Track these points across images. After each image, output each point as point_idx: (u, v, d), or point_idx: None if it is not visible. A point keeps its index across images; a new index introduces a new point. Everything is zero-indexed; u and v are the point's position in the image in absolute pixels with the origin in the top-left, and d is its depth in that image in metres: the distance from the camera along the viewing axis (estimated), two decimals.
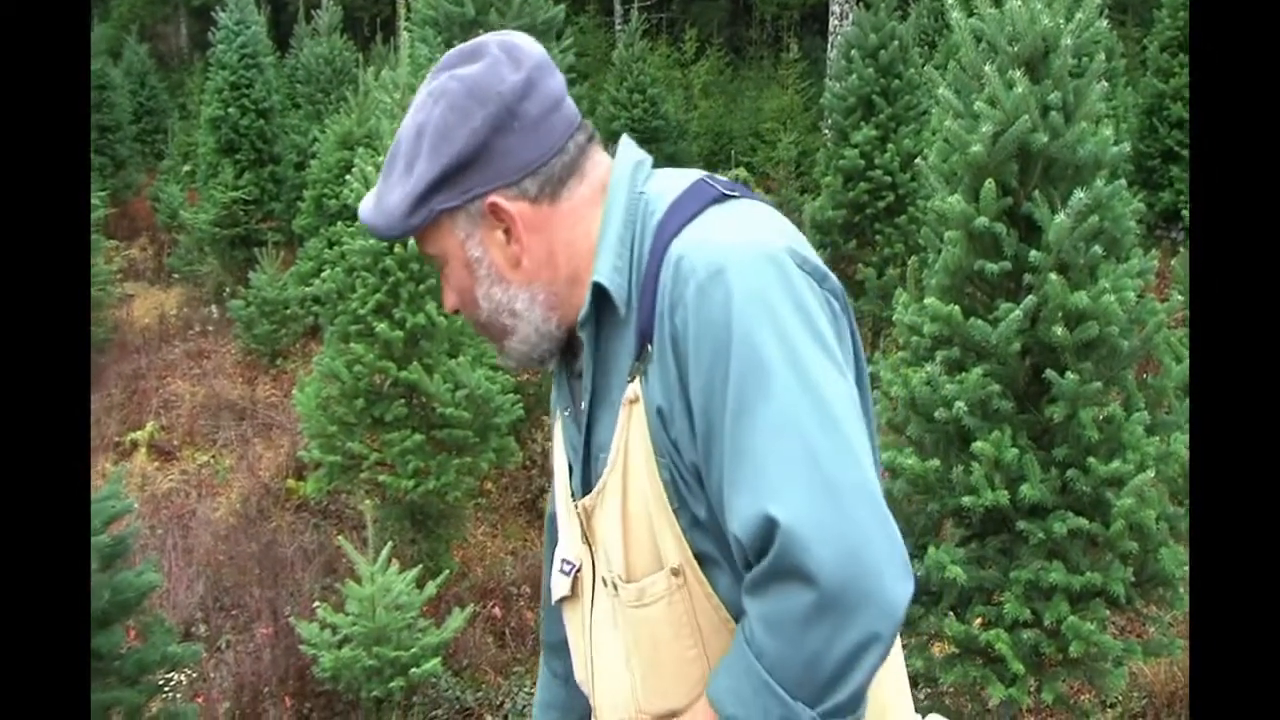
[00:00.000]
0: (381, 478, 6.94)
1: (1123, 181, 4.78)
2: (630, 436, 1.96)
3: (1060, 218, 4.52)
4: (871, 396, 2.05)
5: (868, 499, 1.75)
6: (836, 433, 1.77)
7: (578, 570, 2.19)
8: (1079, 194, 4.52)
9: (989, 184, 4.62)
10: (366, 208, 2.06)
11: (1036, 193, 4.66)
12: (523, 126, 1.99)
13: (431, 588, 5.91)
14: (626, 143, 2.12)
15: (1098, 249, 4.58)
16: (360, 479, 7.12)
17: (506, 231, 2.03)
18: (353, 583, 5.80)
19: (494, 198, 2.00)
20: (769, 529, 1.75)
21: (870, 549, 1.72)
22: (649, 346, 1.92)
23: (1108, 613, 4.63)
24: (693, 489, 1.91)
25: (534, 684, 6.25)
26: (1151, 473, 4.53)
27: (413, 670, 5.59)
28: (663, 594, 1.97)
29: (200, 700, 6.00)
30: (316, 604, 6.02)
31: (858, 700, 1.77)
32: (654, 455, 1.92)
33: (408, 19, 8.63)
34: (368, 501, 6.82)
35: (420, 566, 6.12)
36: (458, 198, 2.01)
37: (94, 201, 12.86)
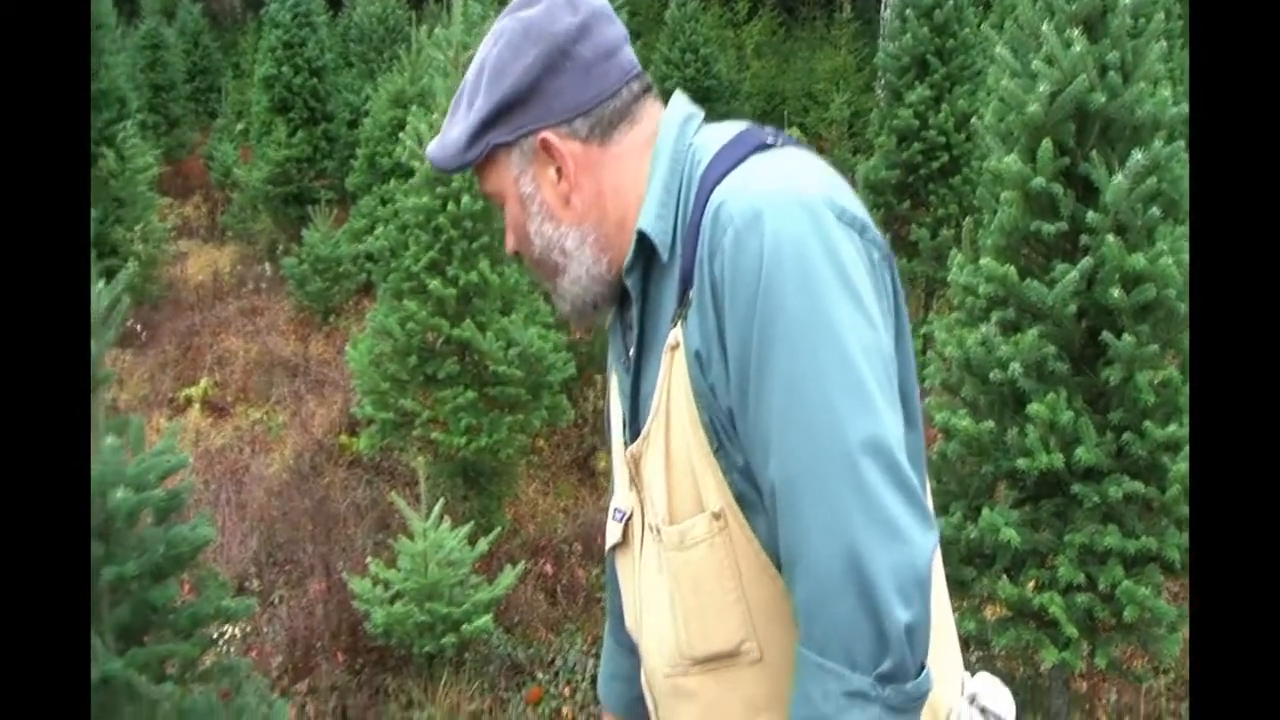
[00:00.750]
0: (434, 435, 6.97)
1: (1181, 143, 4.72)
2: (672, 382, 1.97)
3: (1118, 179, 4.47)
4: (914, 350, 2.04)
5: (879, 456, 1.76)
6: (857, 387, 1.78)
7: (628, 518, 2.21)
8: (1137, 155, 4.47)
9: (1046, 144, 4.57)
10: (432, 145, 2.12)
11: (1094, 153, 4.61)
12: (574, 68, 2.03)
13: (483, 544, 5.94)
14: (679, 96, 2.15)
15: (1155, 211, 4.54)
16: (413, 436, 7.15)
17: (558, 170, 2.07)
18: (405, 539, 5.83)
19: (545, 134, 2.04)
20: (773, 493, 1.81)
21: (872, 521, 1.74)
22: (690, 293, 1.93)
23: (1162, 578, 4.60)
24: (730, 434, 1.91)
25: (585, 641, 6.29)
26: None
27: (464, 626, 5.62)
28: (703, 537, 1.97)
29: (253, 654, 6.05)
30: (369, 560, 6.06)
31: (910, 663, 1.77)
32: (694, 400, 1.93)
33: None
34: (420, 458, 6.86)
35: (472, 523, 6.15)
36: (511, 133, 2.06)
37: (149, 160, 12.92)
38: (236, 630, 6.13)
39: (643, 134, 2.09)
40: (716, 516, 1.95)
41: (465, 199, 6.90)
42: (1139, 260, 4.44)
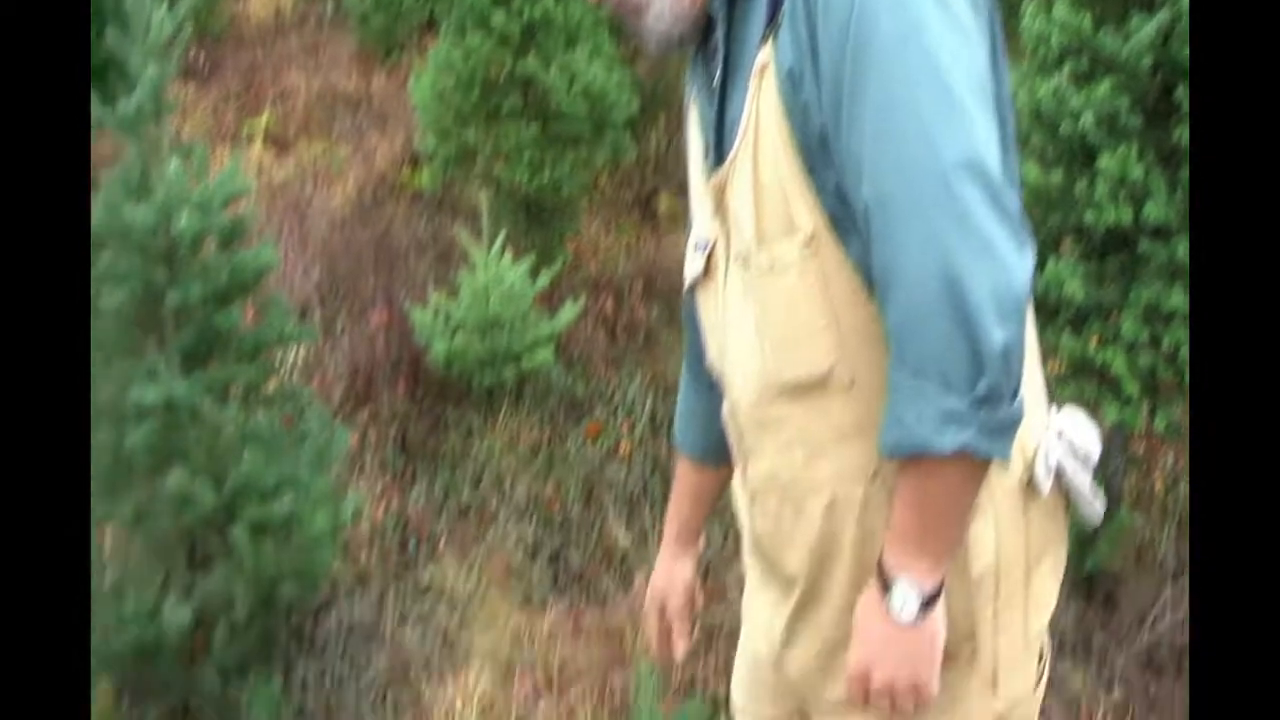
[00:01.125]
0: (496, 169, 6.94)
1: None
2: (761, 104, 1.90)
3: None
4: (1009, 80, 1.98)
5: (976, 175, 1.71)
6: (953, 106, 1.73)
7: (711, 249, 2.15)
8: None
9: None
10: None
11: None
12: None
13: (545, 278, 5.96)
14: None
15: None
16: (475, 170, 7.12)
17: None
18: (466, 272, 5.85)
19: None
20: (866, 214, 1.77)
21: (968, 240, 1.71)
22: (780, 13, 1.86)
23: None
24: (822, 155, 1.86)
25: (645, 379, 6.34)
26: None
27: (525, 360, 5.67)
28: (794, 261, 1.92)
29: (315, 382, 6.13)
30: (431, 292, 6.09)
31: (1006, 385, 1.76)
32: (786, 119, 1.87)
33: None
34: (482, 193, 6.84)
35: (534, 257, 6.15)
36: None
37: None
38: (299, 358, 6.21)
39: None
40: (808, 240, 1.90)
41: None
42: None
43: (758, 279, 1.99)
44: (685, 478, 2.65)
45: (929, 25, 1.74)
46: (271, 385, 4.66)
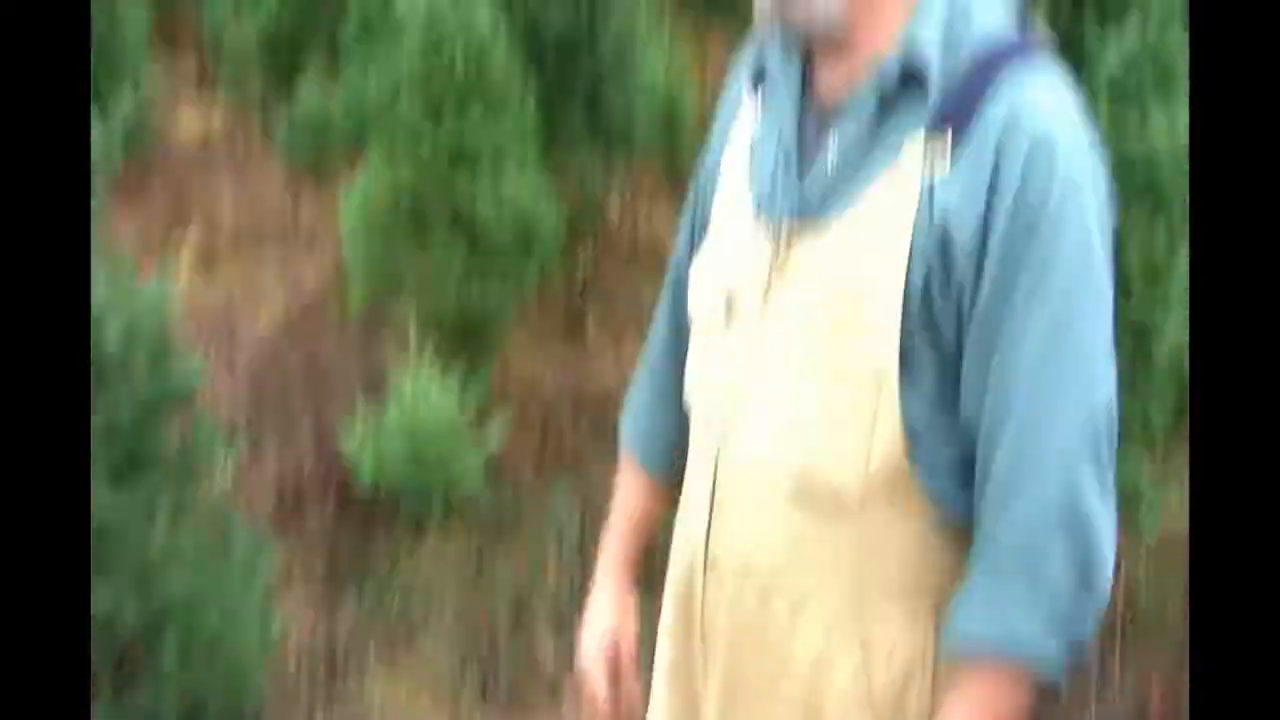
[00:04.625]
0: (425, 290, 6.96)
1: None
2: (886, 203, 1.91)
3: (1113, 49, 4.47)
4: None
5: (1111, 422, 1.85)
6: (1109, 349, 1.86)
7: (735, 291, 2.09)
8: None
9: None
10: None
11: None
12: None
13: (473, 398, 5.97)
14: None
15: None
16: (403, 292, 7.14)
17: None
18: (394, 392, 5.86)
19: None
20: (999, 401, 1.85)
21: (1098, 478, 1.84)
22: (947, 142, 1.87)
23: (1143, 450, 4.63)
24: (947, 305, 1.90)
25: (573, 498, 6.33)
26: None
27: (453, 479, 5.66)
28: (856, 377, 1.93)
29: (243, 500, 6.09)
30: (358, 410, 6.09)
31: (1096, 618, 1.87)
32: (912, 239, 1.88)
33: None
34: (411, 313, 6.86)
35: (461, 379, 6.17)
36: None
37: (139, 11, 12.75)
38: (227, 476, 6.17)
39: None
40: (877, 370, 1.91)
41: (459, 57, 6.85)
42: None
43: (817, 370, 1.96)
44: (637, 496, 2.53)
45: (1099, 262, 1.85)
46: (199, 503, 4.63)
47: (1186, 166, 4.58)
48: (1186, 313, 4.48)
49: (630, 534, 2.48)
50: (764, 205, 2.06)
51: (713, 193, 2.26)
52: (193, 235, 10.07)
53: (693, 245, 2.35)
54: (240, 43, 14.38)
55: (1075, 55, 4.62)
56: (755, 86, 2.18)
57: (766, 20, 2.03)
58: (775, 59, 2.12)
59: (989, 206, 1.82)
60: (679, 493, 2.32)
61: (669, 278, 2.48)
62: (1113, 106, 4.41)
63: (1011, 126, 1.82)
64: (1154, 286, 4.50)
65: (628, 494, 2.51)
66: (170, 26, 18.46)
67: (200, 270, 9.73)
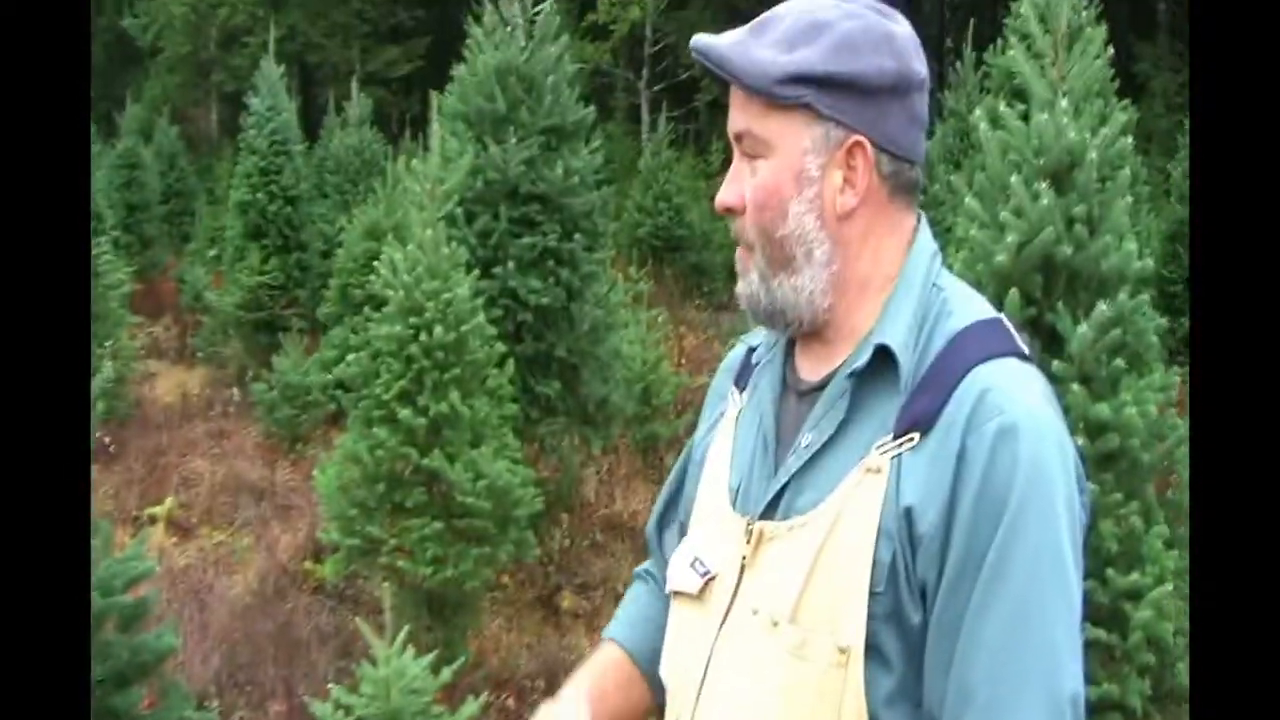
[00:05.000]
0: (400, 563, 6.97)
1: (1146, 296, 4.82)
2: (855, 501, 1.93)
3: (1083, 329, 4.57)
4: None
5: (1078, 714, 1.84)
6: (1074, 640, 1.86)
7: (711, 577, 2.11)
8: (1102, 306, 4.57)
9: (1013, 293, 4.65)
10: (722, 45, 1.98)
11: (1060, 304, 4.70)
12: (906, 110, 1.99)
13: (447, 674, 5.92)
14: (926, 222, 2.10)
15: (1120, 362, 4.63)
16: (378, 564, 7.14)
17: (846, 181, 1.99)
18: (368, 665, 5.82)
19: (864, 140, 1.97)
20: (964, 693, 1.84)
21: None
22: (915, 435, 1.91)
23: None
24: (894, 588, 1.90)
25: None
26: (1170, 586, 4.54)
27: None
28: (824, 661, 1.92)
29: None
30: (330, 685, 6.03)
31: None
32: (878, 532, 1.90)
33: (439, 112, 8.84)
34: (385, 586, 6.85)
35: (436, 653, 6.14)
36: (828, 109, 1.95)
37: (120, 277, 12.99)
38: None
39: (908, 225, 2.06)
40: (842, 651, 1.90)
41: (438, 329, 6.98)
42: (1103, 410, 4.53)
43: (783, 653, 1.96)
44: (605, 654, 2.49)
45: (1067, 560, 1.85)
46: None
47: (1159, 435, 4.68)
48: (1161, 590, 4.52)
49: (590, 678, 2.41)
50: (738, 502, 2.11)
51: (697, 479, 2.30)
52: (169, 501, 10.08)
53: (664, 518, 2.43)
54: (220, 312, 14.64)
55: (1046, 337, 4.75)
56: (738, 385, 2.25)
57: (756, 320, 2.11)
58: (763, 347, 2.21)
59: (954, 494, 1.85)
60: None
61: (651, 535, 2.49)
62: (1084, 385, 4.50)
63: (978, 414, 1.87)
64: (1128, 571, 4.55)
65: (595, 656, 2.50)
66: (152, 294, 18.82)
67: (175, 534, 9.74)
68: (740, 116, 2.00)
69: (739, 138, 2.02)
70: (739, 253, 2.08)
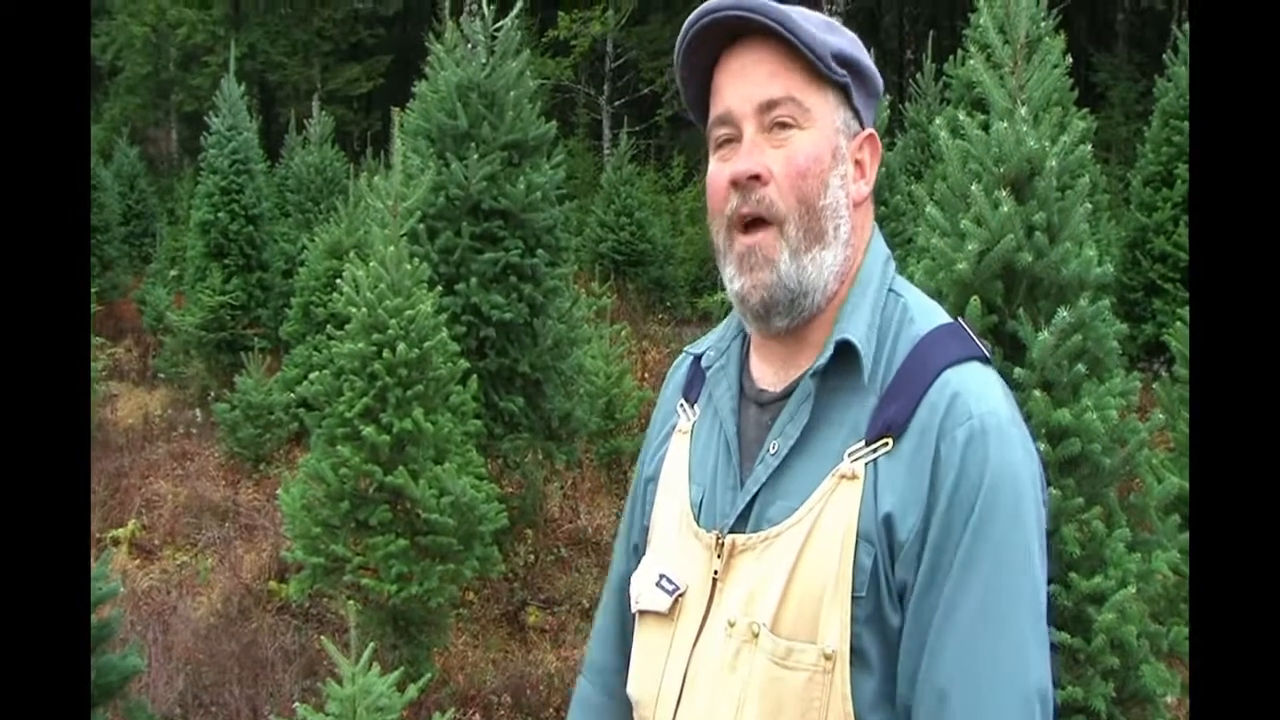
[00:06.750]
0: (364, 581, 6.93)
1: (1106, 302, 4.84)
2: (831, 507, 1.94)
3: (1044, 336, 4.58)
4: None
5: (1046, 706, 1.87)
6: (1042, 634, 1.89)
7: (681, 594, 2.11)
8: (1063, 313, 4.58)
9: (974, 301, 4.67)
10: (778, 6, 1.95)
11: (1021, 311, 4.72)
12: (873, 117, 2.09)
13: (413, 691, 5.90)
14: (878, 229, 2.14)
15: (1080, 368, 4.64)
16: (343, 582, 7.10)
17: (859, 169, 2.05)
18: (334, 683, 5.79)
19: (874, 132, 2.06)
20: (937, 692, 1.86)
21: None
22: (890, 440, 1.92)
23: None
24: (875, 591, 1.92)
25: None
26: (1133, 589, 4.55)
27: None
28: (808, 668, 1.93)
29: None
30: (296, 704, 6.01)
31: None
32: (857, 538, 1.91)
33: (400, 129, 8.83)
34: (350, 604, 6.82)
35: (401, 670, 6.11)
36: (856, 96, 2.04)
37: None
38: None
39: (868, 223, 2.11)
40: (827, 657, 1.92)
41: (401, 347, 6.95)
42: (1064, 415, 4.54)
43: (765, 662, 1.97)
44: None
45: (1034, 549, 1.89)
46: None
47: (1120, 440, 4.69)
48: (1126, 591, 4.54)
49: None
50: (703, 516, 2.12)
51: (652, 500, 2.31)
52: (131, 522, 10.03)
53: (629, 550, 2.42)
54: (181, 332, 14.58)
55: (1008, 344, 4.76)
56: (688, 398, 2.27)
57: (768, 313, 2.04)
58: (712, 352, 2.21)
59: (930, 499, 1.87)
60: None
61: (611, 582, 2.50)
62: (1045, 391, 4.52)
63: (950, 418, 1.88)
64: (1091, 575, 4.56)
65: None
66: (113, 316, 18.74)
67: (138, 555, 9.68)
68: (777, 84, 1.97)
69: (770, 105, 1.98)
70: (759, 238, 2.00)
